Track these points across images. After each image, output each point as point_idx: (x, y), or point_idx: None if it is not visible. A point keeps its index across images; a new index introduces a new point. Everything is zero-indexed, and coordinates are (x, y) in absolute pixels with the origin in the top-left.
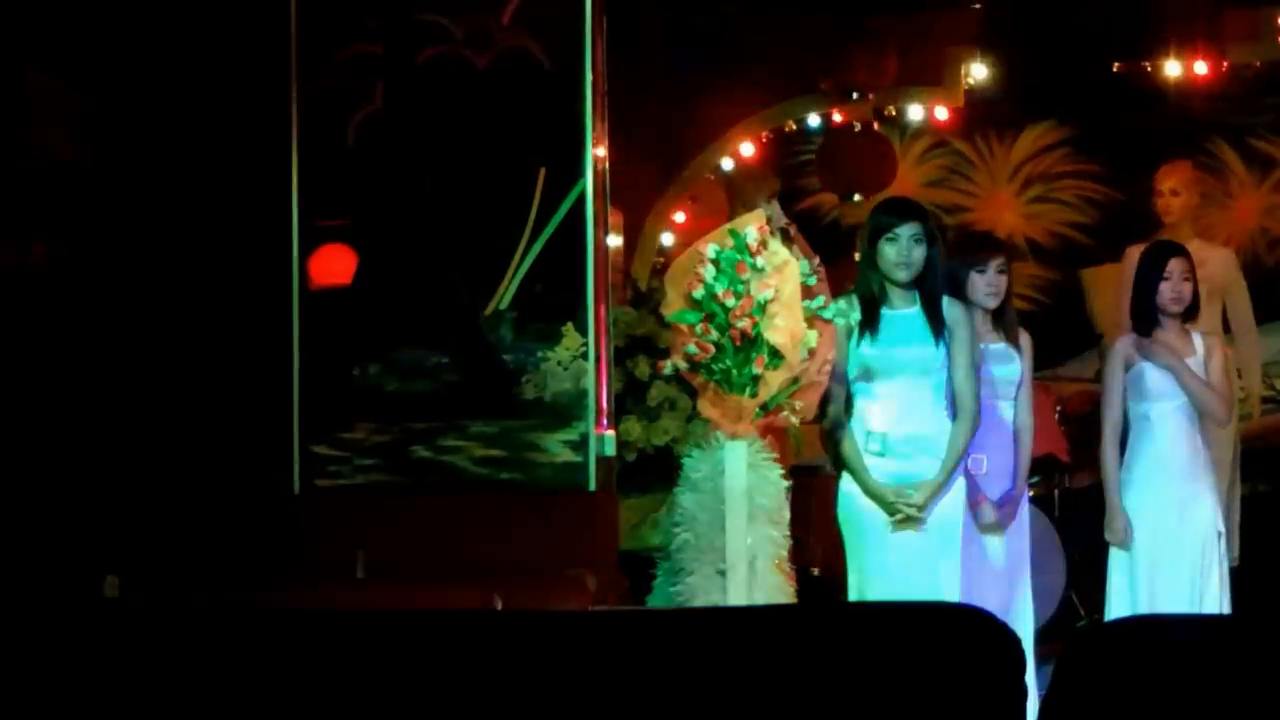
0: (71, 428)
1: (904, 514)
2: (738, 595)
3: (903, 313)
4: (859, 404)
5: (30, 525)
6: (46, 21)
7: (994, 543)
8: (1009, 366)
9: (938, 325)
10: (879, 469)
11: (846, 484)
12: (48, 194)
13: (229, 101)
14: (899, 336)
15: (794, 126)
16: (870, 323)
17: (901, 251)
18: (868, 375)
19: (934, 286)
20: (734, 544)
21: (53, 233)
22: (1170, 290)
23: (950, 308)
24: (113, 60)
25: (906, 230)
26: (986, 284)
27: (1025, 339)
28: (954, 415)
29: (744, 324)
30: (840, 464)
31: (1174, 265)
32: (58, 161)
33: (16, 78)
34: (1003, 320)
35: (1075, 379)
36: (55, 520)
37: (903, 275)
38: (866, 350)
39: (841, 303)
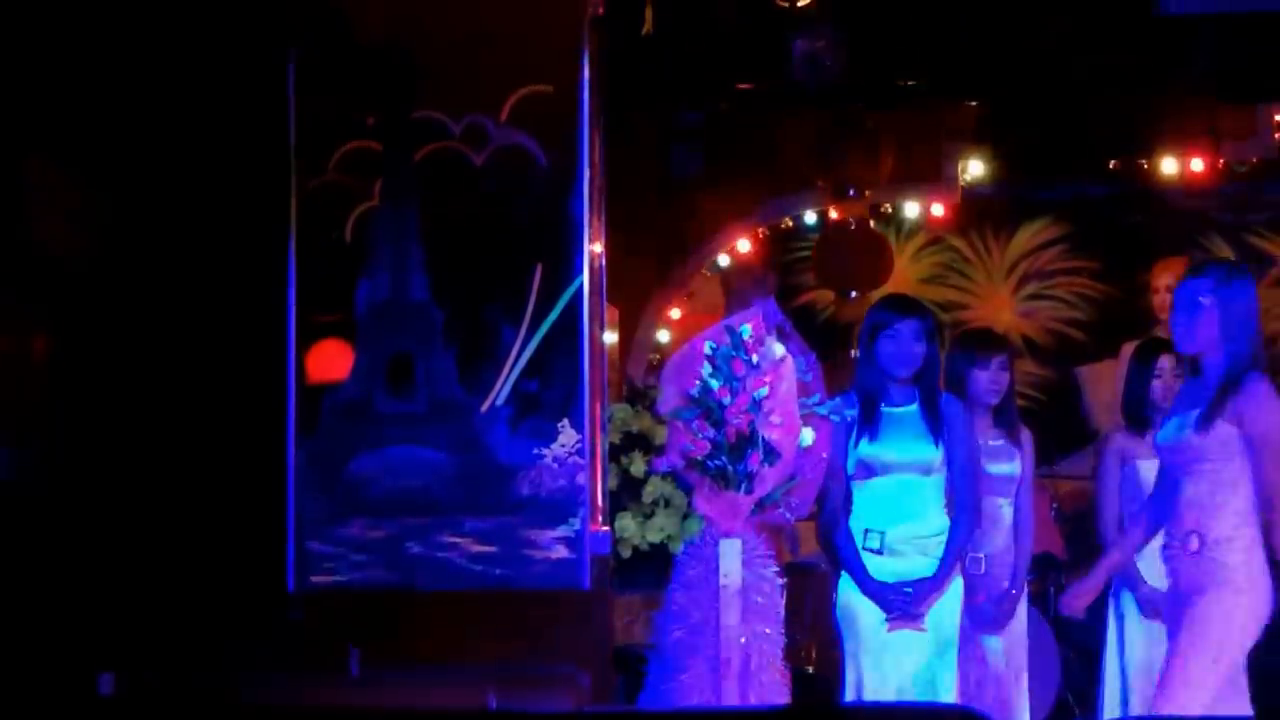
0: (68, 523)
1: (900, 614)
2: (732, 694)
3: (902, 410)
4: (857, 501)
5: (26, 620)
6: (47, 114)
7: (992, 642)
8: (1010, 464)
9: (937, 423)
10: (876, 567)
11: (845, 581)
12: (47, 287)
13: (228, 197)
14: (898, 434)
15: (790, 223)
16: (869, 420)
17: (901, 348)
18: (866, 472)
19: (933, 384)
20: (729, 642)
21: (52, 326)
22: (1162, 387)
23: (949, 405)
24: (114, 154)
25: (906, 327)
26: (989, 381)
27: (1027, 436)
28: (952, 514)
29: (740, 421)
30: (837, 561)
31: (1165, 362)
32: (57, 255)
33: (16, 170)
34: (1004, 417)
35: (1071, 477)
36: (51, 616)
37: (902, 372)
38: (865, 448)
39: (837, 400)
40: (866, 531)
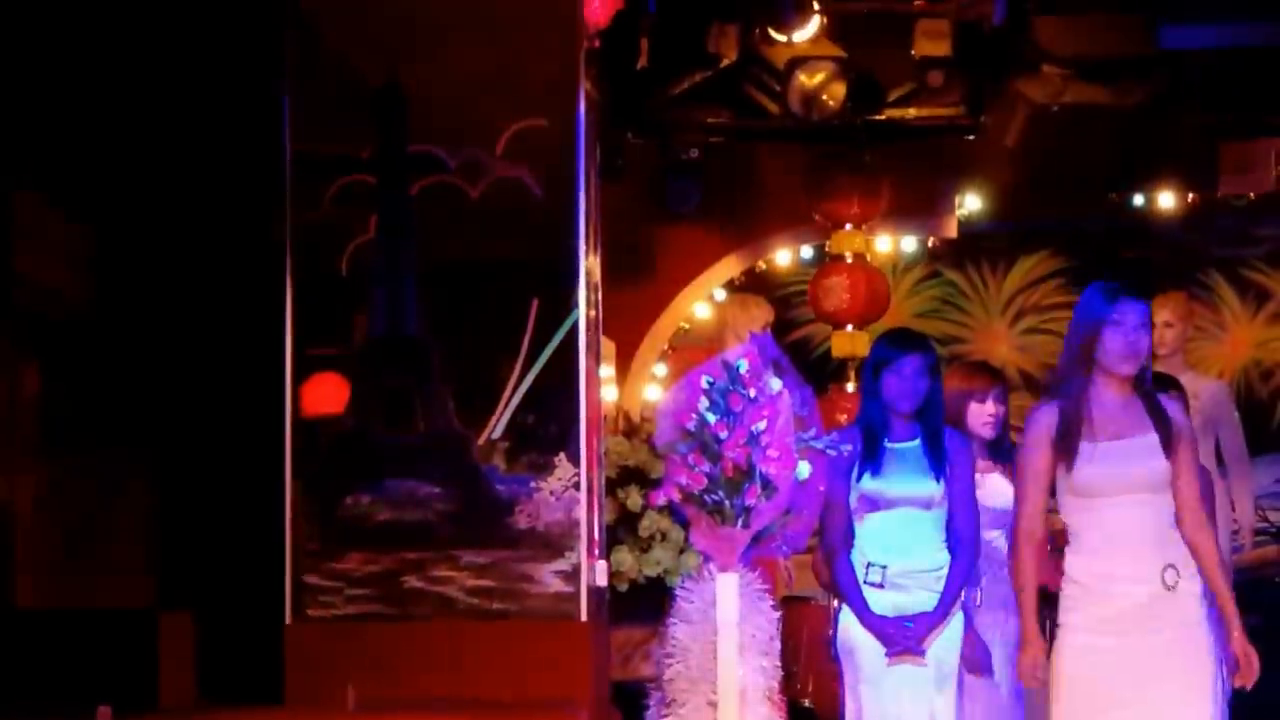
0: (61, 554)
1: (901, 648)
2: None
3: (904, 445)
4: (859, 535)
5: (24, 651)
6: (36, 149)
7: (989, 679)
8: (1006, 497)
9: (939, 458)
10: (877, 601)
11: (845, 614)
12: (37, 322)
13: (223, 230)
14: (900, 469)
15: (786, 257)
16: (872, 455)
17: (905, 383)
18: (869, 507)
19: (936, 419)
20: (726, 676)
21: (42, 361)
22: None
23: (952, 440)
24: (106, 189)
25: (910, 363)
26: (985, 414)
27: None
28: (952, 548)
29: (737, 455)
30: (838, 594)
31: None
32: (48, 290)
33: (4, 205)
34: (1000, 451)
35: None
36: (49, 650)
37: (905, 407)
38: (868, 482)
39: (833, 435)
40: (868, 565)
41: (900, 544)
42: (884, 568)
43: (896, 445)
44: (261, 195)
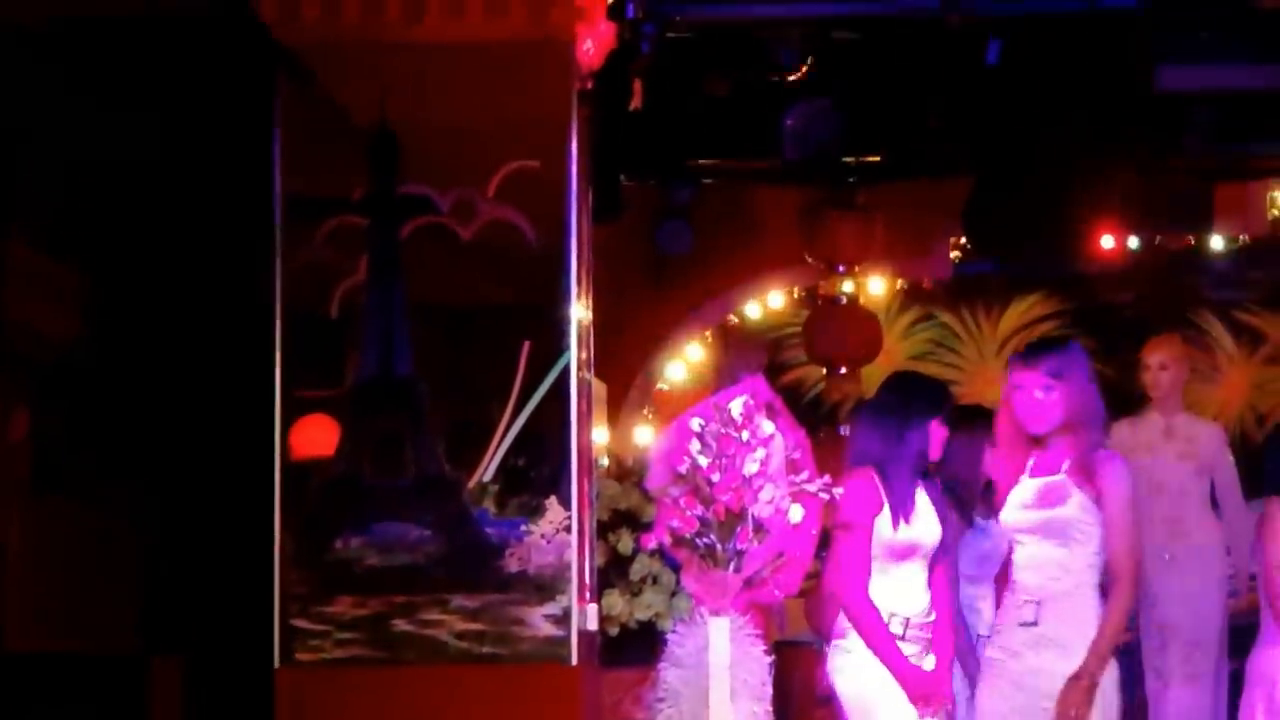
0: (50, 598)
1: (935, 707)
2: None
3: (923, 494)
4: (882, 585)
5: (13, 695)
6: (29, 194)
7: None
8: (999, 542)
9: (941, 506)
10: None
11: (853, 658)
12: (29, 367)
13: (213, 273)
14: (926, 517)
15: (779, 299)
16: (906, 502)
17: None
18: (900, 556)
19: (952, 467)
20: None
21: (34, 406)
22: None
23: (931, 487)
24: (97, 232)
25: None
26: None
27: None
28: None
29: (729, 498)
30: (863, 634)
31: None
32: (38, 334)
33: None
34: (989, 495)
35: None
36: (38, 694)
37: (935, 455)
38: (904, 530)
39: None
40: (891, 616)
41: (920, 594)
42: (907, 619)
43: (919, 494)
44: (251, 237)
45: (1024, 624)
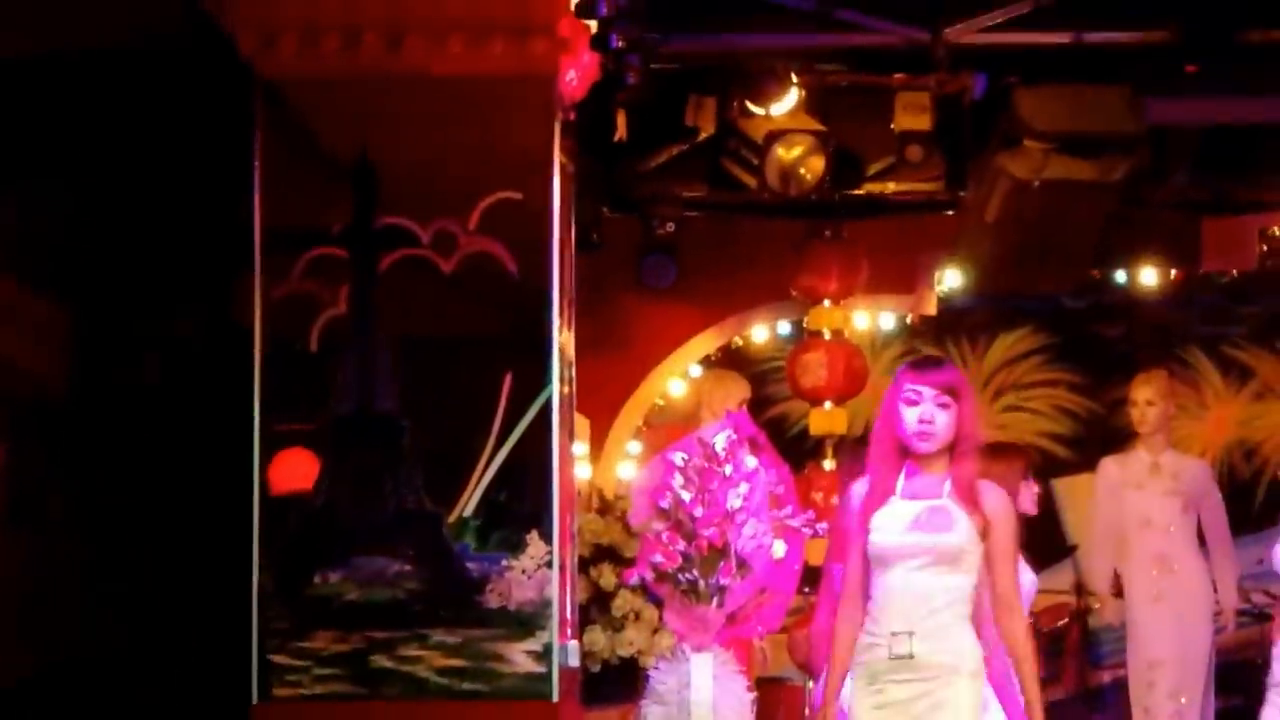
0: (26, 641)
1: None
2: None
3: None
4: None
5: None
6: (9, 230)
7: None
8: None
9: None
10: None
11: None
12: (7, 400)
13: (192, 307)
14: None
15: (763, 333)
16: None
17: None
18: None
19: None
20: None
21: (12, 438)
22: None
23: None
24: (78, 269)
25: None
26: (1033, 491)
27: None
28: None
29: (711, 533)
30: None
31: None
32: (17, 367)
33: None
34: None
35: (1048, 591)
36: None
37: None
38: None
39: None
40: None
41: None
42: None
43: None
44: (231, 269)
45: (897, 656)
